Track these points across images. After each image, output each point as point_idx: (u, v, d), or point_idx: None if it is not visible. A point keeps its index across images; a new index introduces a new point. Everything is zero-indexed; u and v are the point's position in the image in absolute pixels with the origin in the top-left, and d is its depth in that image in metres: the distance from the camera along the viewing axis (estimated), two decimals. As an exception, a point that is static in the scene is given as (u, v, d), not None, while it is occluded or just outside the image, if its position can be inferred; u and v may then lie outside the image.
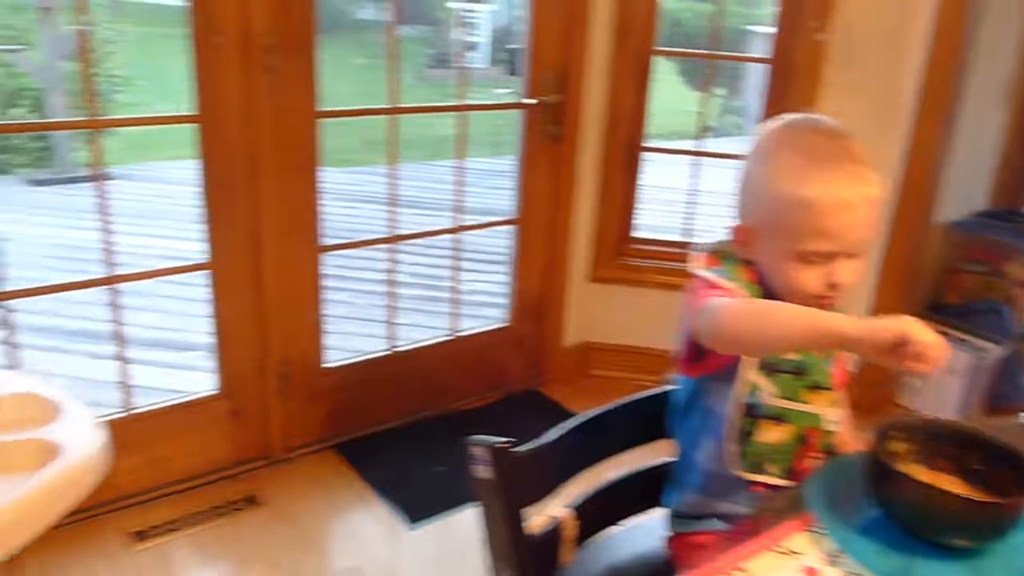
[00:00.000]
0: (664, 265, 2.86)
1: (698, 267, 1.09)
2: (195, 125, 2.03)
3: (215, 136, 2.03)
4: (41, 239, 4.52)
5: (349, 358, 2.52)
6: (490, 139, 6.29)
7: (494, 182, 6.00)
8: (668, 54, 4.34)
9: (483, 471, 1.03)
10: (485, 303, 3.41)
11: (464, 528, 2.18)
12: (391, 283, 2.54)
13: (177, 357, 3.19)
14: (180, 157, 6.34)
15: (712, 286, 1.04)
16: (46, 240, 4.51)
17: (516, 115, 2.59)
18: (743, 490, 1.12)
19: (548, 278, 2.80)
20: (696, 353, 1.06)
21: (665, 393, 1.23)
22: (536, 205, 2.70)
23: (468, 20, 13.57)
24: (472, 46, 13.31)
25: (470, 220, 2.70)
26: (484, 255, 4.15)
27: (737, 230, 1.10)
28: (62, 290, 2.14)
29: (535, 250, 2.76)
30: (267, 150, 2.10)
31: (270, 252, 2.18)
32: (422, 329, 2.83)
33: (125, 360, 2.13)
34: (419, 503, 2.26)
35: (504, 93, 2.58)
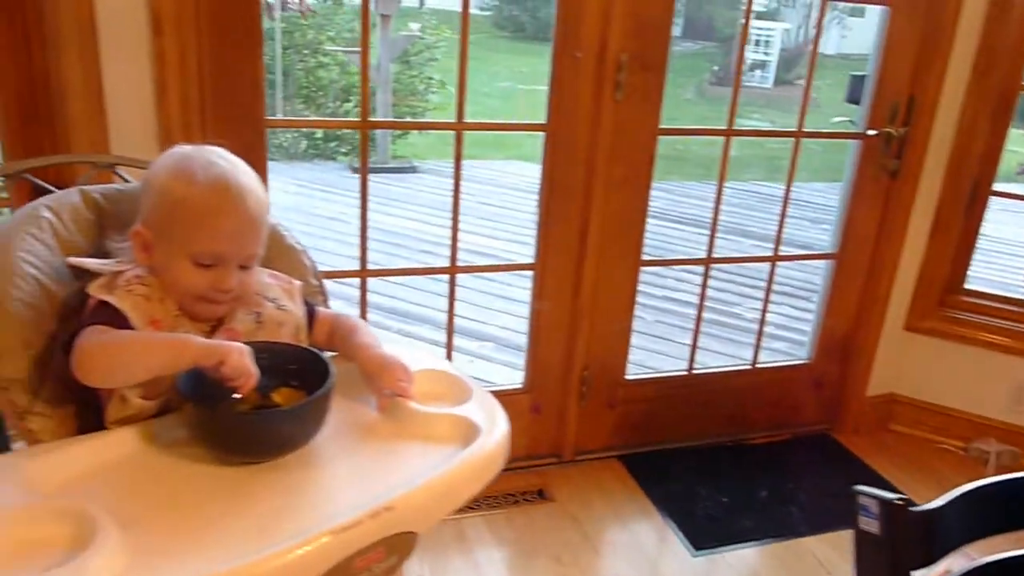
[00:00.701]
0: (994, 323, 2.58)
1: None
2: (541, 133, 2.15)
3: (561, 145, 2.13)
4: (358, 219, 5.03)
5: (647, 373, 2.54)
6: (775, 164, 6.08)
7: (798, 211, 5.79)
8: None
9: (870, 524, 0.98)
10: (777, 335, 3.30)
11: (749, 567, 2.11)
12: (694, 305, 2.52)
13: (476, 346, 3.40)
14: (480, 157, 6.79)
15: None
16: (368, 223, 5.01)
17: (824, 143, 2.46)
18: None
19: (861, 319, 2.64)
20: None
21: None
22: (860, 241, 2.55)
23: (759, 38, 13.23)
24: (761, 64, 12.95)
25: (773, 249, 2.60)
26: (782, 285, 4.01)
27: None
28: (410, 274, 2.35)
29: (851, 288, 2.61)
30: (604, 162, 2.16)
31: (592, 260, 2.25)
32: (712, 354, 2.78)
33: (450, 347, 2.30)
34: (703, 530, 2.23)
35: (839, 121, 2.45)
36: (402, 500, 0.84)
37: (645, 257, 2.36)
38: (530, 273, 2.28)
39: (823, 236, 5.20)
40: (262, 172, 2.01)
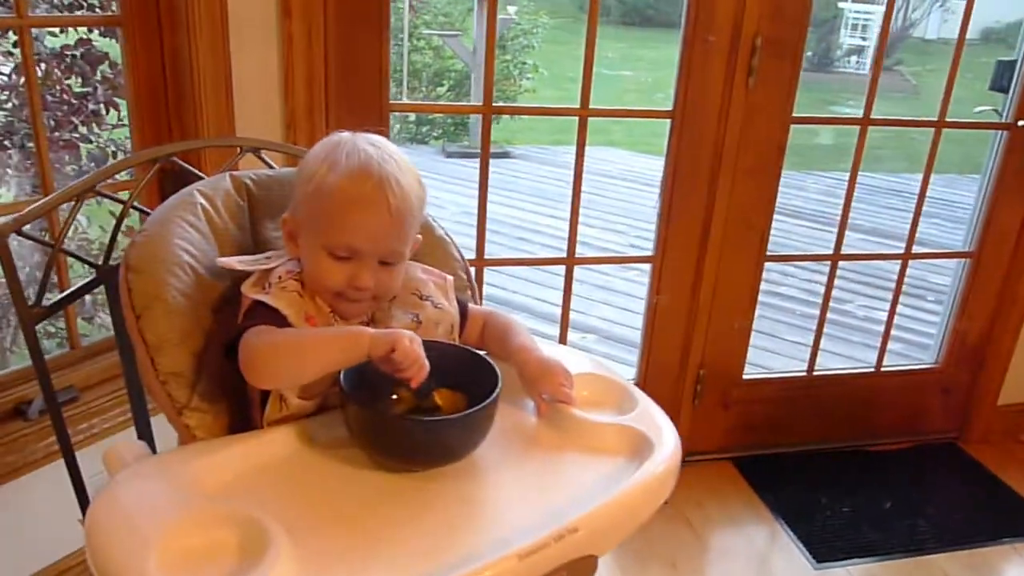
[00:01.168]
0: None
1: None
2: (667, 120, 2.05)
3: (688, 132, 2.03)
4: (452, 205, 5.01)
5: (765, 373, 2.42)
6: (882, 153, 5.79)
7: (907, 205, 5.51)
8: None
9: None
10: (894, 337, 3.12)
11: (877, 583, 1.99)
12: (807, 303, 2.39)
13: (578, 337, 3.32)
14: (565, 143, 6.70)
15: None
16: (456, 207, 4.98)
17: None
18: None
19: (996, 323, 2.46)
20: None
21: None
22: (1000, 240, 2.37)
23: (856, 22, 12.69)
24: (857, 50, 12.42)
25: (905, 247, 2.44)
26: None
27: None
28: (526, 264, 2.29)
29: (987, 290, 2.44)
30: (732, 151, 2.06)
31: (714, 254, 2.15)
32: (827, 355, 2.64)
33: (563, 341, 2.23)
34: (825, 541, 2.11)
35: (982, 111, 2.27)
36: (586, 521, 0.77)
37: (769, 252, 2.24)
38: (644, 266, 2.19)
39: (940, 232, 4.94)
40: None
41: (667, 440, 0.93)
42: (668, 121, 2.05)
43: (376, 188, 0.94)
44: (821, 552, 2.08)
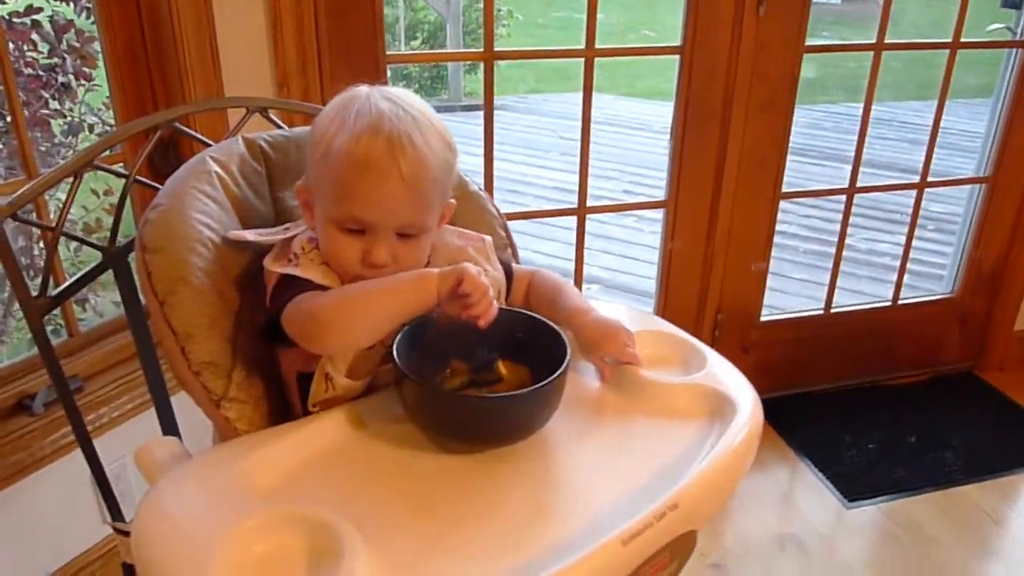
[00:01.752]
0: None
1: None
2: (675, 57, 1.96)
3: (698, 68, 1.94)
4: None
5: (782, 313, 2.37)
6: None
7: (900, 133, 5.45)
8: None
9: None
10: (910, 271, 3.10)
11: (910, 519, 1.97)
12: (817, 240, 2.32)
13: (582, 288, 3.25)
14: (546, 90, 6.54)
15: None
16: (440, 163, 4.86)
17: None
18: None
19: (1014, 248, 2.41)
20: None
21: None
22: (1016, 164, 2.31)
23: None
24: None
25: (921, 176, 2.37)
26: (905, 215, 3.76)
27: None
28: (536, 216, 2.19)
29: (1004, 215, 2.38)
30: (745, 85, 1.97)
31: (728, 194, 2.08)
32: (841, 292, 2.59)
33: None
34: (854, 480, 2.08)
35: (995, 28, 2.19)
36: (685, 494, 0.70)
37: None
38: (642, 212, 2.11)
39: (940, 161, 4.90)
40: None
41: (746, 396, 0.86)
42: (676, 57, 1.95)
43: (385, 151, 0.82)
44: (850, 490, 2.05)
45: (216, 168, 0.95)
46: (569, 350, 0.82)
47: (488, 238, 1.01)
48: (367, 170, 0.82)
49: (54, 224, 0.95)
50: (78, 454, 1.59)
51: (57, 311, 1.07)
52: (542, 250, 3.50)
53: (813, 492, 2.06)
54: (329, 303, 0.82)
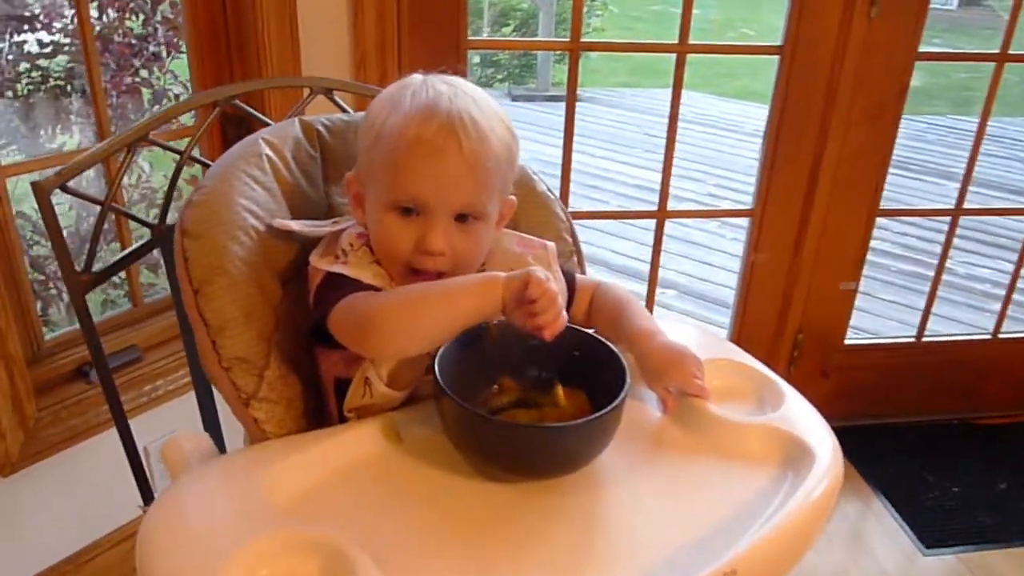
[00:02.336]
0: None
1: None
2: (774, 57, 1.83)
3: (799, 70, 1.82)
4: (521, 149, 4.81)
5: (868, 338, 2.22)
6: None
7: (995, 148, 5.12)
8: None
9: None
10: (996, 295, 2.88)
11: (989, 572, 1.81)
12: (927, 263, 2.16)
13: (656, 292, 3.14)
14: (635, 85, 6.40)
15: None
16: (523, 153, 4.78)
17: None
18: None
19: None
20: None
21: None
22: None
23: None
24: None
25: (1009, 199, 2.18)
26: (995, 236, 3.50)
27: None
28: (612, 218, 2.11)
29: None
30: (848, 92, 1.83)
31: (821, 207, 1.94)
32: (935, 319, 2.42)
33: (651, 298, 2.06)
34: (933, 524, 1.93)
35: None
36: (746, 560, 0.62)
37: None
38: (748, 220, 1.99)
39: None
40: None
41: (825, 444, 0.76)
42: (776, 58, 1.83)
43: (444, 127, 0.78)
44: (928, 535, 1.90)
45: (268, 151, 0.89)
46: (628, 378, 0.74)
47: (551, 244, 0.93)
48: (424, 147, 0.78)
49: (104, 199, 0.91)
50: (133, 423, 1.61)
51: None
52: (618, 249, 3.40)
53: (887, 533, 1.92)
54: (387, 303, 0.76)
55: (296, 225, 0.85)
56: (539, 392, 0.79)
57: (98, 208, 0.92)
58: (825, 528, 0.73)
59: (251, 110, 1.05)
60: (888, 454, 2.15)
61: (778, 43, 1.82)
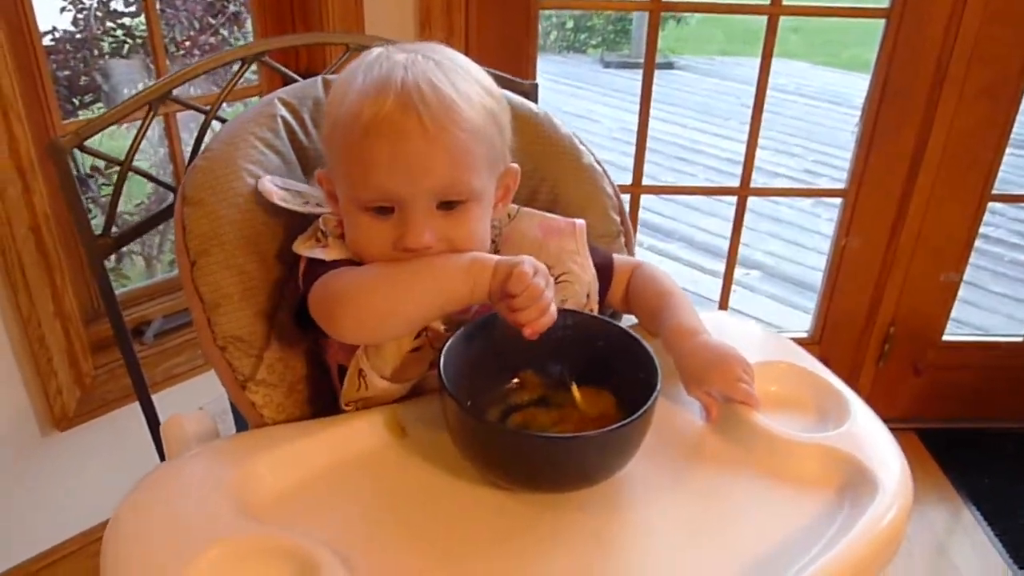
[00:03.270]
0: None
1: None
2: (880, 21, 1.66)
3: (905, 37, 1.64)
4: (608, 119, 4.66)
5: (970, 334, 2.03)
6: None
7: None
8: None
9: None
10: None
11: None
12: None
13: (739, 273, 2.98)
14: (733, 53, 6.10)
15: None
16: (612, 122, 4.64)
17: None
18: None
19: None
20: None
21: None
22: None
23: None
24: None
25: None
26: None
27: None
28: (692, 193, 1.98)
29: None
30: (963, 63, 1.64)
31: (924, 189, 1.77)
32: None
33: (728, 281, 1.93)
34: (1031, 543, 1.76)
35: None
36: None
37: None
38: (840, 200, 1.84)
39: None
40: (530, 63, 1.72)
41: (893, 471, 0.65)
42: (881, 22, 1.66)
43: (400, 102, 0.67)
44: (1022, 555, 1.72)
45: (283, 112, 0.82)
46: (660, 380, 0.64)
47: (581, 223, 0.81)
48: (380, 129, 0.67)
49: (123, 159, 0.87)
50: (187, 384, 1.61)
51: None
52: (702, 225, 3.24)
53: (976, 549, 1.76)
54: (360, 281, 0.68)
55: (278, 198, 0.76)
56: (561, 390, 0.70)
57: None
58: (903, 540, 0.62)
59: (283, 68, 0.99)
60: (983, 462, 1.97)
61: (885, 5, 1.64)
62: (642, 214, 3.30)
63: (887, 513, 0.62)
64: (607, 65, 5.71)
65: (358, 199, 0.70)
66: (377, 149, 0.68)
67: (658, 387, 0.64)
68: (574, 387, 0.69)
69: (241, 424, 0.97)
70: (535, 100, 1.02)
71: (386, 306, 0.67)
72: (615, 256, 0.86)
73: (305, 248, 0.73)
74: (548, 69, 5.76)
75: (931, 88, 1.68)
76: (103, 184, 2.05)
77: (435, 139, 0.68)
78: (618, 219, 0.92)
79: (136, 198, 2.24)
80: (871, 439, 0.69)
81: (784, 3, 1.64)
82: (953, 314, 1.98)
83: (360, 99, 0.68)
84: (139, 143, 0.86)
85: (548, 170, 0.90)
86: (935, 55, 1.65)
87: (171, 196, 0.94)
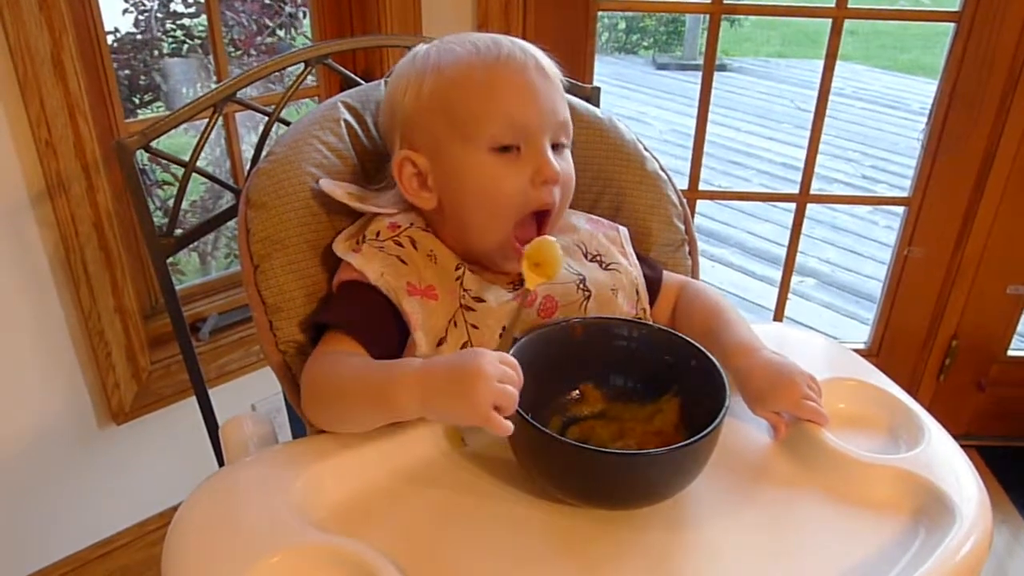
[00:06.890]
0: None
1: None
2: (950, 25, 1.61)
3: (976, 41, 1.59)
4: (660, 122, 4.61)
5: (1038, 349, 1.96)
6: None
7: None
8: None
9: None
10: None
11: None
12: None
13: (794, 280, 2.92)
14: (788, 55, 5.99)
15: None
16: (664, 124, 4.59)
17: None
18: None
19: None
20: None
21: None
22: None
23: None
24: None
25: None
26: None
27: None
28: (748, 199, 1.95)
29: None
30: (1036, 66, 1.58)
31: (992, 198, 1.71)
32: None
33: (784, 289, 1.89)
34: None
35: None
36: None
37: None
38: (903, 208, 1.78)
39: None
40: (588, 64, 1.70)
41: (971, 497, 0.62)
42: (951, 26, 1.61)
43: (517, 48, 0.74)
44: (1094, 581, 1.66)
45: (347, 116, 0.82)
46: (728, 396, 0.63)
47: (623, 229, 0.83)
48: (507, 65, 0.72)
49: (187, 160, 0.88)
50: (240, 381, 1.63)
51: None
52: (756, 231, 3.18)
53: (1041, 572, 1.69)
54: (323, 382, 0.69)
55: (340, 191, 0.76)
56: (622, 404, 0.69)
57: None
58: (981, 572, 0.59)
59: (345, 71, 0.99)
60: (1046, 480, 1.90)
61: (955, 8, 1.59)
62: (695, 219, 3.26)
63: (965, 543, 0.59)
64: (659, 67, 5.65)
65: (487, 139, 0.71)
66: (506, 79, 0.72)
67: (726, 403, 0.62)
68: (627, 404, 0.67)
69: (296, 423, 0.97)
70: (597, 104, 1.00)
71: (337, 416, 0.68)
72: (664, 272, 0.84)
73: (342, 248, 0.73)
74: (600, 70, 5.67)
75: (1002, 94, 1.62)
76: (160, 173, 2.09)
77: (552, 82, 0.74)
78: (683, 227, 0.90)
79: (192, 195, 2.28)
80: (947, 463, 0.66)
81: (849, 5, 1.59)
82: (1019, 328, 1.91)
83: (469, 57, 0.73)
84: (203, 144, 0.87)
85: (611, 176, 0.89)
86: (1007, 61, 1.59)
87: (226, 193, 0.95)
